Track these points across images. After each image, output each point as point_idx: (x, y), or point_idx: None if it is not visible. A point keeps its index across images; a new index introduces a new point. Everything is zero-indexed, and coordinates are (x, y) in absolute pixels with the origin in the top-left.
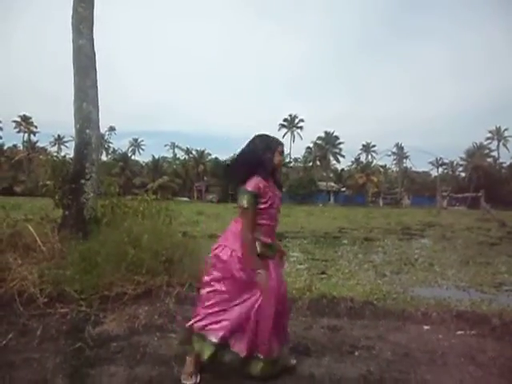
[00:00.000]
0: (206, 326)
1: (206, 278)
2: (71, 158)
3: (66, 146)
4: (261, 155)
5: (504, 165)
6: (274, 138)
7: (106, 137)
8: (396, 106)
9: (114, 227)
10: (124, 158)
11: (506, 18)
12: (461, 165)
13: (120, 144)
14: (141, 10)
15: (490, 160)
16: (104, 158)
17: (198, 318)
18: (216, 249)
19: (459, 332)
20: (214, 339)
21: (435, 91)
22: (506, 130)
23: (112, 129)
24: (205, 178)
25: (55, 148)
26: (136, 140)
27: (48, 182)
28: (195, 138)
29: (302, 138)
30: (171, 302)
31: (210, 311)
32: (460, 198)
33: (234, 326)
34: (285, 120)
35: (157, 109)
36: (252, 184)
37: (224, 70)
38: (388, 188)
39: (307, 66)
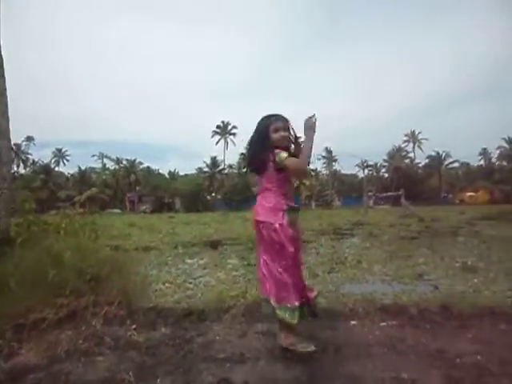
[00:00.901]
0: (284, 297)
1: (265, 256)
2: None
3: None
4: (258, 141)
5: (419, 165)
6: (266, 118)
7: (23, 147)
8: (325, 110)
9: (31, 247)
10: (46, 169)
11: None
12: (384, 166)
13: (41, 155)
14: (74, 14)
15: (407, 161)
16: (22, 170)
17: (275, 292)
18: (262, 227)
19: (382, 324)
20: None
21: (363, 95)
22: (419, 133)
23: (30, 139)
24: (137, 188)
25: None
26: (60, 150)
27: None
28: (125, 148)
29: (235, 145)
30: (98, 323)
31: (283, 283)
32: (384, 197)
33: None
34: (218, 127)
35: (83, 117)
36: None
37: (156, 76)
38: (319, 190)
39: (240, 70)
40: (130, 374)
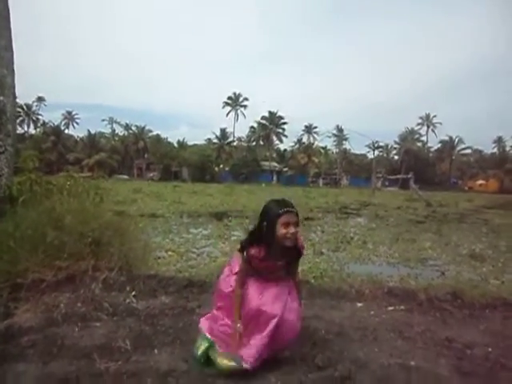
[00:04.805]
0: None
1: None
2: None
3: None
4: (260, 225)
5: (432, 149)
6: (278, 205)
7: (33, 108)
8: (339, 89)
9: (33, 207)
10: (56, 131)
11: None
12: (394, 148)
13: (51, 117)
14: None
15: (419, 144)
16: (32, 131)
17: None
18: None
19: (389, 308)
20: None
21: (378, 74)
22: (434, 116)
23: (41, 99)
24: (145, 156)
25: None
26: (70, 113)
27: None
28: (135, 114)
29: (245, 117)
30: (97, 287)
31: None
32: (392, 180)
33: None
34: (229, 98)
35: (94, 81)
36: (248, 252)
37: (169, 45)
38: (328, 169)
39: (254, 43)
40: (127, 342)
